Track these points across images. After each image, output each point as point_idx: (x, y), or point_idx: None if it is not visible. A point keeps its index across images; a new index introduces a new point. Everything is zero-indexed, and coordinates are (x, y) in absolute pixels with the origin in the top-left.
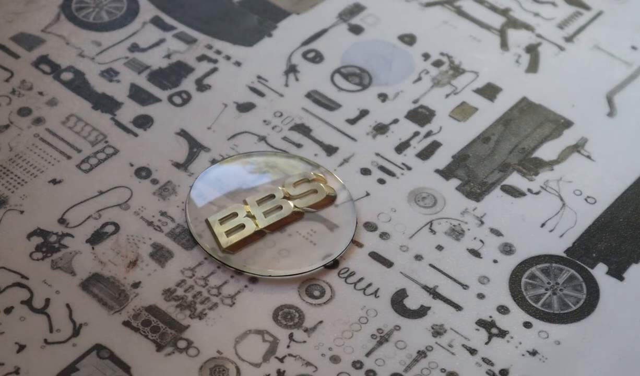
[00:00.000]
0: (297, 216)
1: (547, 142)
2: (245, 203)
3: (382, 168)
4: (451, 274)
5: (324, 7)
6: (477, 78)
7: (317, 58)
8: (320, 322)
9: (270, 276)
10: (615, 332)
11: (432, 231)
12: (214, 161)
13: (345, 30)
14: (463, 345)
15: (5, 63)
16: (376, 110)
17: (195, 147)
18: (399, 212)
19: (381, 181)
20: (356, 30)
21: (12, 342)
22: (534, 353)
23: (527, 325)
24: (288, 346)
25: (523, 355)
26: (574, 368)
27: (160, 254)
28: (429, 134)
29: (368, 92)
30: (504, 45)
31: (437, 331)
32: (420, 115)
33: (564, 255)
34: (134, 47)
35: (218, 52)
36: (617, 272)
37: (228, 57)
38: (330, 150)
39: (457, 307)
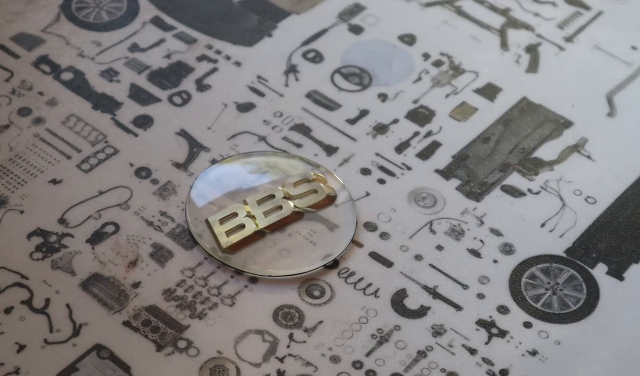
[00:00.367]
0: (297, 216)
1: (547, 142)
2: (245, 203)
3: (382, 168)
4: (451, 274)
5: (324, 7)
6: (477, 78)
7: (317, 58)
8: (320, 322)
9: (270, 276)
10: (615, 332)
11: (432, 231)
12: (214, 161)
13: (345, 30)
14: (463, 345)
15: (5, 63)
16: (376, 110)
17: (195, 147)
18: (399, 212)
19: (381, 181)
20: (356, 30)
21: (12, 342)
22: (534, 353)
23: (527, 324)
24: (288, 346)
25: (523, 355)
26: (574, 368)
27: (160, 254)
28: (429, 134)
29: (368, 92)
30: (504, 45)
31: (437, 331)
32: (420, 115)
33: (564, 255)
34: (134, 47)
35: (218, 52)
36: (617, 272)
37: (228, 57)
38: (330, 150)
39: (457, 307)
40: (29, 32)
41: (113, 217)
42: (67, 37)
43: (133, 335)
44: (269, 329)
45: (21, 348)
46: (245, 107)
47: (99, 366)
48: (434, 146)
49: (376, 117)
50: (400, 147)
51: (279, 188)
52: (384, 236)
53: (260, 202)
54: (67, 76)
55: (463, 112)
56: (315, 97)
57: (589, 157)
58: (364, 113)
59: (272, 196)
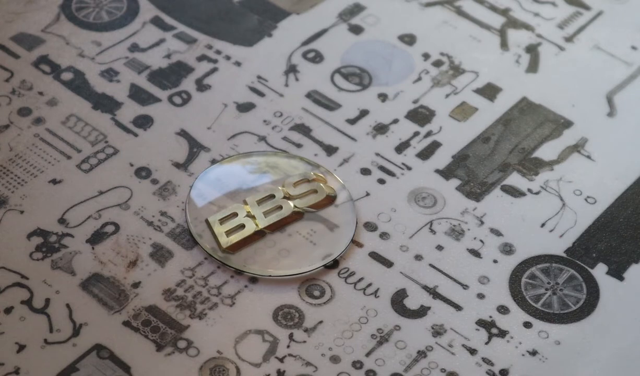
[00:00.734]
0: (297, 216)
1: (547, 142)
2: (245, 203)
3: (382, 168)
4: (451, 274)
5: (324, 7)
6: (477, 78)
7: (317, 58)
8: (320, 322)
9: (270, 276)
10: (615, 332)
11: (432, 231)
12: (214, 161)
13: (345, 30)
14: (463, 345)
15: (5, 63)
16: (376, 110)
17: (195, 147)
18: (399, 212)
19: (381, 181)
20: (356, 30)
21: (12, 342)
22: (534, 353)
23: (527, 324)
24: (288, 346)
25: (523, 355)
26: (574, 368)
27: (160, 254)
28: (429, 134)
29: (368, 92)
30: (504, 45)
31: (437, 331)
32: (420, 115)
33: (564, 255)
34: (134, 47)
35: (218, 52)
36: (617, 272)
37: (228, 57)
38: (330, 150)
39: (457, 307)
40: (29, 32)
41: (113, 217)
42: (67, 37)
43: (133, 335)
44: (269, 329)
45: (21, 348)
46: (245, 107)
47: (99, 366)
48: (434, 146)
49: (376, 117)
50: (400, 147)
51: (279, 187)
52: (384, 236)
53: (260, 202)
54: (67, 76)
55: (463, 112)
56: (315, 97)
57: (589, 157)
58: (364, 113)
59: (272, 196)
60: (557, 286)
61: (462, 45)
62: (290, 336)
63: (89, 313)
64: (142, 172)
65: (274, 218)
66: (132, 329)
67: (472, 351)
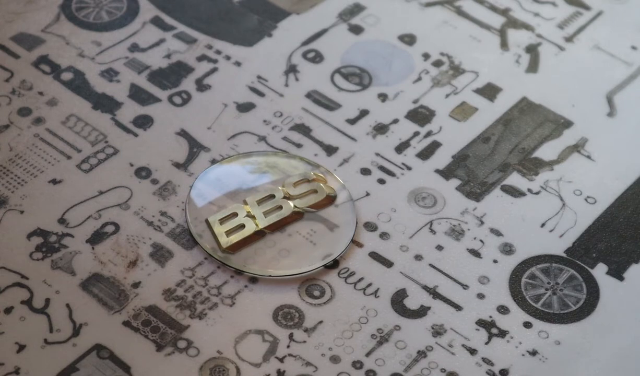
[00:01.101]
0: (297, 216)
1: (547, 142)
2: (245, 203)
3: (382, 168)
4: (451, 274)
5: (324, 7)
6: (477, 78)
7: (317, 58)
8: (320, 322)
9: (270, 276)
10: (615, 332)
11: (432, 231)
12: (214, 161)
13: (345, 30)
14: (463, 345)
15: (5, 63)
16: (376, 110)
17: (195, 147)
18: (399, 212)
19: (381, 181)
20: (356, 30)
21: (12, 342)
22: (534, 353)
23: (527, 324)
24: (288, 346)
25: (523, 355)
26: (574, 368)
27: (160, 254)
28: (429, 134)
29: (368, 92)
30: (504, 45)
31: (437, 331)
32: (420, 115)
33: (564, 255)
34: (134, 47)
35: (218, 52)
36: (617, 272)
37: (228, 57)
38: (330, 150)
39: (457, 307)
40: (29, 32)
41: (113, 217)
42: (67, 37)
43: (133, 335)
44: (269, 329)
45: (21, 348)
46: (245, 107)
47: (99, 366)
48: (434, 146)
49: (376, 117)
50: (400, 147)
51: (279, 187)
52: (384, 236)
53: (260, 202)
54: (67, 76)
55: (463, 112)
56: (315, 97)
57: (589, 157)
58: (364, 113)
59: (272, 196)
60: (557, 286)
61: (462, 45)
62: (290, 336)
63: (89, 313)
64: (142, 172)
65: (274, 218)
66: (132, 329)
67: (472, 351)
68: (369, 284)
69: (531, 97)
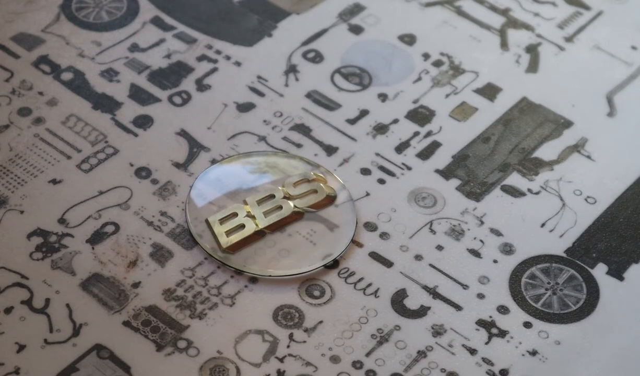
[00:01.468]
0: (297, 216)
1: (547, 142)
2: (245, 203)
3: (382, 168)
4: (451, 274)
5: (324, 7)
6: (477, 78)
7: (317, 58)
8: (320, 322)
9: (270, 276)
10: (615, 332)
11: (432, 231)
12: (214, 161)
13: (345, 30)
14: (463, 345)
15: (5, 63)
16: (376, 110)
17: (195, 147)
18: (399, 212)
19: (381, 181)
20: (356, 30)
21: (12, 342)
22: (534, 353)
23: (527, 324)
24: (288, 346)
25: (523, 355)
26: (574, 368)
27: (160, 254)
28: (429, 134)
29: (368, 92)
30: (504, 45)
31: (437, 331)
32: (420, 115)
33: (564, 255)
34: (134, 47)
35: (218, 52)
36: (617, 272)
37: (228, 57)
38: (330, 150)
39: (457, 307)
40: (29, 32)
41: (113, 217)
42: (67, 37)
43: (133, 335)
44: (269, 329)
45: (21, 348)
46: (245, 107)
47: (99, 366)
48: (434, 146)
49: (376, 117)
50: (400, 147)
51: (279, 188)
52: (384, 236)
53: (260, 202)
54: (67, 76)
55: (463, 112)
56: (315, 97)
57: (589, 157)
58: (364, 113)
59: (272, 196)
60: (557, 286)
61: (462, 45)
62: (290, 336)
63: (89, 313)
64: (142, 172)
65: (274, 218)
66: (132, 329)
67: (472, 351)
68: (369, 284)
69: (531, 97)
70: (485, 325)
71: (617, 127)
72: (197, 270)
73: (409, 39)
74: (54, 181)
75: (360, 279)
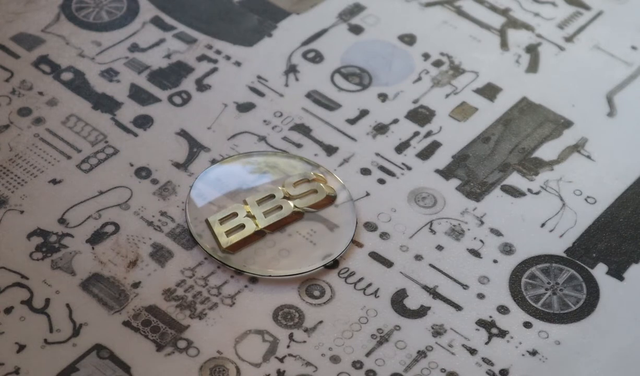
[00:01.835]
0: (297, 216)
1: (547, 142)
2: (245, 203)
3: (382, 168)
4: (451, 274)
5: (324, 7)
6: (477, 78)
7: (317, 58)
8: (320, 322)
9: (270, 276)
10: (615, 332)
11: (432, 231)
12: (214, 161)
13: (345, 30)
14: (463, 345)
15: (5, 63)
16: (376, 110)
17: (195, 147)
18: (399, 212)
19: (381, 181)
20: (356, 30)
21: (12, 342)
22: (534, 353)
23: (527, 324)
24: (288, 346)
25: (523, 355)
26: (574, 368)
27: (160, 254)
28: (429, 134)
29: (368, 92)
30: (504, 45)
31: (437, 331)
32: (420, 115)
33: (564, 255)
34: (134, 47)
35: (218, 52)
36: (617, 272)
37: (228, 57)
38: (330, 150)
39: (457, 307)
40: (29, 32)
41: (113, 217)
42: (67, 37)
43: (133, 335)
44: (269, 329)
45: (21, 348)
46: (245, 107)
47: (99, 366)
48: (434, 146)
49: (376, 117)
50: (400, 147)
51: (279, 188)
52: (384, 236)
53: (260, 202)
54: (67, 76)
55: (463, 112)
56: (315, 97)
57: (589, 157)
58: (364, 113)
59: (272, 196)
60: (557, 286)
61: (462, 45)
62: (290, 336)
63: (89, 313)
64: (142, 172)
65: (274, 218)
66: (132, 329)
67: (472, 351)
68: (369, 284)
69: (531, 97)
70: (485, 325)
71: (617, 127)
72: (197, 270)
73: (409, 39)
74: (54, 181)
75: (360, 279)
